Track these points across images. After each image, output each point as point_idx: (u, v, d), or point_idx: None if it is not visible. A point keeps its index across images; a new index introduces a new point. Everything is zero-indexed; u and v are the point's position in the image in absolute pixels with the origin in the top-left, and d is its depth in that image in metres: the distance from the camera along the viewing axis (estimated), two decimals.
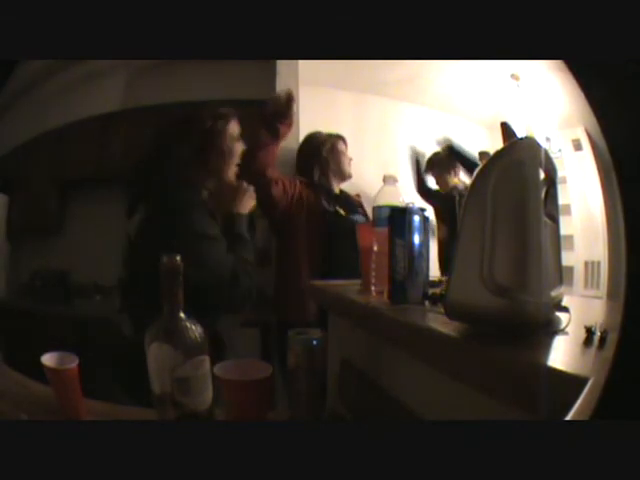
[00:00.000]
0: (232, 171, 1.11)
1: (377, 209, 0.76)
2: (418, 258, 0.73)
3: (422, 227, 0.74)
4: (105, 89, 1.19)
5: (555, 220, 0.66)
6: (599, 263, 1.38)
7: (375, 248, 0.76)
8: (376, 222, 0.76)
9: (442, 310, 0.66)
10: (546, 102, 1.22)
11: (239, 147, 1.11)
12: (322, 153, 1.45)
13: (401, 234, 0.72)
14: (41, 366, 0.84)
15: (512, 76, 1.23)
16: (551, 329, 0.52)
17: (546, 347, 0.48)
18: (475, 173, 0.52)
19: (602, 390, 0.40)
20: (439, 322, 0.58)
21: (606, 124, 0.49)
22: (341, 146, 1.47)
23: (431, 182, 1.47)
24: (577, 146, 1.43)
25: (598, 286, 1.38)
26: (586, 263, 1.35)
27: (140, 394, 0.77)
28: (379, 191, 0.78)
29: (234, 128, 1.10)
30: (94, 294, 1.16)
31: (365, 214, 1.48)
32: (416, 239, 0.73)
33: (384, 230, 0.74)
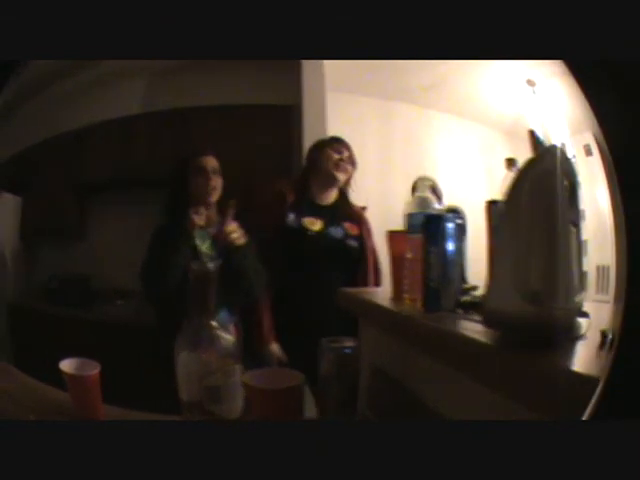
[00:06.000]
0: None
1: (410, 216, 0.75)
2: (452, 265, 0.72)
3: (456, 234, 0.73)
4: (125, 91, 1.17)
5: (577, 226, 0.67)
6: (608, 268, 1.38)
7: (408, 255, 0.75)
8: (409, 229, 0.76)
9: (476, 317, 0.66)
10: (559, 107, 1.22)
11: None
12: None
13: (435, 242, 0.71)
14: (57, 371, 0.82)
15: (528, 82, 1.23)
16: (573, 334, 0.53)
17: (573, 353, 0.50)
18: (509, 183, 0.52)
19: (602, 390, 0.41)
20: (473, 330, 0.59)
21: (608, 128, 0.50)
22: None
23: None
24: (588, 151, 1.43)
25: (607, 290, 1.38)
26: (597, 268, 1.35)
27: (165, 401, 0.76)
28: (412, 198, 0.78)
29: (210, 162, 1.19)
30: (115, 298, 1.14)
31: None
32: (450, 246, 0.72)
33: (417, 237, 0.73)
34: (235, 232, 1.14)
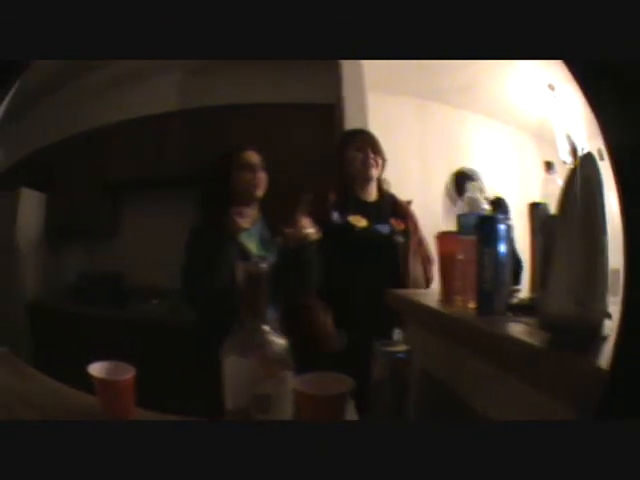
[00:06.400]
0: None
1: (462, 217, 0.74)
2: (504, 267, 0.72)
3: (507, 236, 0.73)
4: (159, 87, 1.14)
5: (605, 231, 0.69)
6: (618, 271, 1.40)
7: (460, 257, 0.74)
8: (461, 230, 0.74)
9: (526, 320, 0.67)
10: (577, 111, 1.23)
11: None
12: None
13: (489, 243, 0.70)
14: (84, 373, 0.79)
15: (548, 86, 1.24)
16: (603, 335, 0.55)
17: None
18: (560, 192, 0.55)
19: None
20: (526, 332, 0.61)
21: (608, 128, 0.50)
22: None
23: None
24: (601, 156, 1.43)
25: (617, 293, 1.40)
26: (612, 271, 1.37)
27: (204, 406, 0.73)
28: (463, 199, 0.77)
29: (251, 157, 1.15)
30: (149, 298, 1.09)
31: None
32: (502, 248, 0.72)
33: (470, 239, 0.72)
34: (309, 227, 1.10)
